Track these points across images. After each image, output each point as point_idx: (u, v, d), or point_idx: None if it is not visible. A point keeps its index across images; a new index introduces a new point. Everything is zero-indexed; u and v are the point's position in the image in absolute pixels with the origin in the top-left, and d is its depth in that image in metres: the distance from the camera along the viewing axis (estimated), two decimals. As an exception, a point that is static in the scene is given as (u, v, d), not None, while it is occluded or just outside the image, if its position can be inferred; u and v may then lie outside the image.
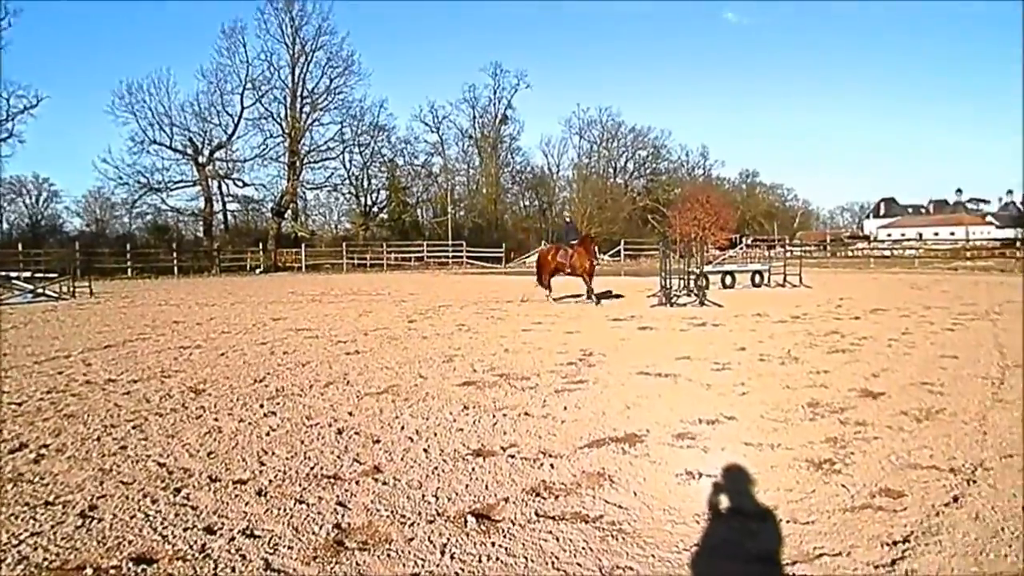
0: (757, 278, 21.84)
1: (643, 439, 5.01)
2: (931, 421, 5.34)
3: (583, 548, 3.26)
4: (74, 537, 3.41)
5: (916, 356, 8.26)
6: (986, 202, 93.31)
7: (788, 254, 31.33)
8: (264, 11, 46.86)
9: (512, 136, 60.20)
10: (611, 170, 64.17)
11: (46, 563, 3.14)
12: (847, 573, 2.99)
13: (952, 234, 70.12)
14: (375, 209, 54.42)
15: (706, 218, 49.48)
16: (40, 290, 20.36)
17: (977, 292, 18.19)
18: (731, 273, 21.90)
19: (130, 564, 3.12)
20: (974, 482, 4.00)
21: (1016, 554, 3.10)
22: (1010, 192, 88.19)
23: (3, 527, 3.53)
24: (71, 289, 21.27)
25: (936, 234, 71.62)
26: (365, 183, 53.21)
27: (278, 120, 47.26)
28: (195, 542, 3.36)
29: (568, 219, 21.17)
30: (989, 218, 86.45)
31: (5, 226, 47.00)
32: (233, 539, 3.38)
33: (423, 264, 43.95)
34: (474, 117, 58.82)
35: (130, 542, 3.36)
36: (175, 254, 39.26)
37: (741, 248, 47.15)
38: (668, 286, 16.40)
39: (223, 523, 3.60)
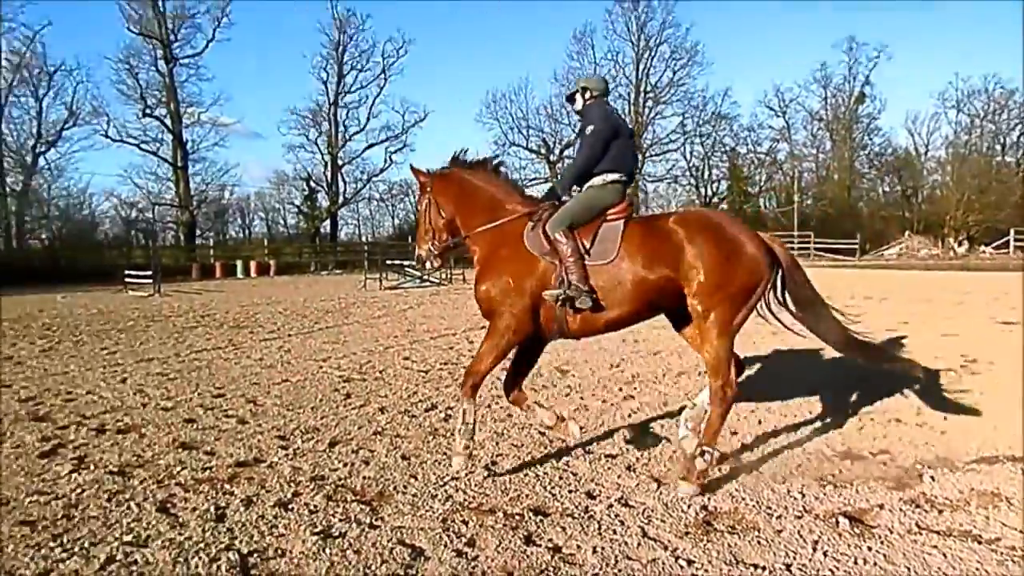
0: None
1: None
2: None
3: (976, 571, 3.01)
4: (484, 486, 4.12)
5: None
6: None
7: None
8: (612, 12, 48.96)
9: (871, 115, 54.40)
10: (998, 147, 54.58)
11: (465, 503, 3.85)
12: None
13: None
14: (715, 200, 53.57)
15: None
16: (426, 278, 23.97)
17: None
18: None
19: (530, 513, 3.68)
20: None
21: None
22: None
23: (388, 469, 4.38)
24: (448, 276, 24.76)
25: None
26: (705, 174, 52.72)
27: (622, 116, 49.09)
28: (579, 504, 3.83)
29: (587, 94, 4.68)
30: None
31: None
32: (611, 506, 3.78)
33: (765, 256, 42.15)
34: (825, 98, 54.41)
35: (527, 496, 3.95)
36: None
37: None
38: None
39: (600, 491, 4.03)
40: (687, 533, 3.42)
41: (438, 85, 76.52)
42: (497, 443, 5.03)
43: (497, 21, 75.52)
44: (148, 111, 41.45)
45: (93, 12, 63.56)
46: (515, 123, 48.99)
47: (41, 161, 40.32)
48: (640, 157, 48.34)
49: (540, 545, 3.30)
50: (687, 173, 52.08)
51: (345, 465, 4.53)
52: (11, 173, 39.07)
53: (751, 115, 57.24)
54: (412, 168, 4.85)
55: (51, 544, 3.39)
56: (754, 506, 3.75)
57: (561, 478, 4.25)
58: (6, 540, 3.45)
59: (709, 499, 3.84)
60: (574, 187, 4.54)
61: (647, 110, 48.98)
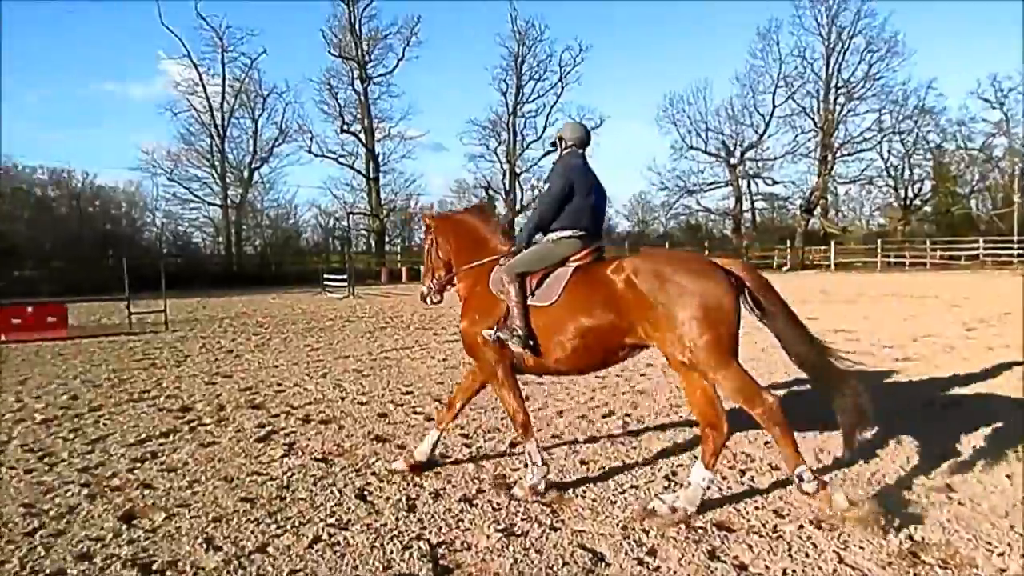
0: None
1: None
2: None
3: None
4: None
5: None
6: None
7: None
8: (799, 6, 46.33)
9: (1113, 101, 47.19)
10: None
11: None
12: None
13: None
14: (917, 202, 48.93)
15: None
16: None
17: None
18: None
19: (713, 528, 3.57)
20: None
21: None
22: None
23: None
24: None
25: None
26: (905, 173, 48.24)
27: (810, 115, 46.23)
28: (766, 522, 3.66)
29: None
30: None
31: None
32: (802, 527, 3.57)
33: (978, 263, 37.85)
34: (1055, 84, 47.99)
35: (710, 509, 3.83)
36: (705, 252, 41.75)
37: None
38: None
39: (790, 510, 3.82)
40: (890, 563, 3.14)
41: (615, 89, 76.41)
42: (677, 453, 4.92)
43: (675, 20, 73.86)
44: (345, 127, 45.14)
45: (301, 40, 70.10)
46: (693, 126, 47.79)
47: (255, 176, 45.07)
48: (830, 158, 45.22)
49: (725, 561, 3.19)
50: (884, 173, 47.95)
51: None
52: (231, 187, 43.99)
53: (960, 108, 51.39)
54: (422, 213, 5.04)
55: (267, 520, 3.78)
56: (970, 540, 3.38)
57: (746, 494, 4.09)
58: (231, 514, 3.88)
59: (915, 528, 3.51)
60: (536, 237, 4.45)
61: (839, 107, 45.68)
